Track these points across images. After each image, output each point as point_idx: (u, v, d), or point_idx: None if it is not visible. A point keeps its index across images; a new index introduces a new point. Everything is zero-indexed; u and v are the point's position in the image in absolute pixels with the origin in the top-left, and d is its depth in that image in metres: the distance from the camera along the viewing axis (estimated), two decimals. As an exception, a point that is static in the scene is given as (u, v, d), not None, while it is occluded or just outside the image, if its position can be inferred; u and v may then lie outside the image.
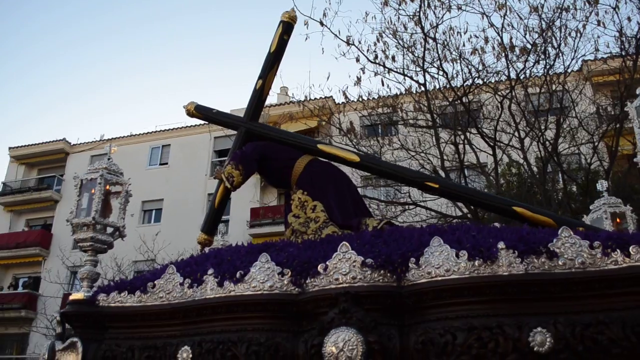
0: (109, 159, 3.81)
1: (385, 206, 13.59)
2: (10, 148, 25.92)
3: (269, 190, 25.26)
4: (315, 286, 2.97)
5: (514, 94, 11.93)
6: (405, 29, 12.18)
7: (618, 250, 2.68)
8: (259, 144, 4.50)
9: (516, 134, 12.10)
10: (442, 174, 12.39)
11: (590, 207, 4.84)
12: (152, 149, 26.16)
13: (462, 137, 12.37)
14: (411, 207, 12.78)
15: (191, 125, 25.82)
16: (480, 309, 2.71)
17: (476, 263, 2.76)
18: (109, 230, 3.59)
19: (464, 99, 12.15)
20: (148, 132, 25.93)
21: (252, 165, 4.31)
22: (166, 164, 25.88)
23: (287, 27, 4.88)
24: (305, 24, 11.57)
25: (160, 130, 26.07)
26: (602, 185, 4.83)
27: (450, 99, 12.46)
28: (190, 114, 5.03)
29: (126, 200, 3.76)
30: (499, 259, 2.75)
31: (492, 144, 12.21)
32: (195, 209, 25.16)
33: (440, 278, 2.79)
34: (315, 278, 2.99)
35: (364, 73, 12.70)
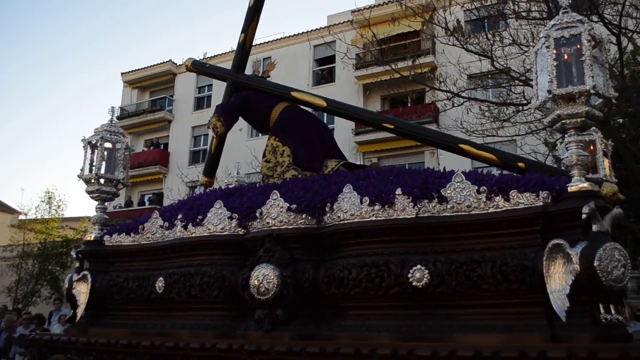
0: (111, 121, 4.79)
1: (496, 108, 13.54)
2: (122, 74, 29.01)
3: (372, 96, 25.76)
4: (255, 228, 3.78)
5: (642, -29, 10.93)
6: None
7: (500, 195, 3.10)
8: (242, 95, 5.22)
9: (645, 18, 11.20)
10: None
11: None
12: (253, 62, 27.55)
13: (582, 25, 11.70)
14: (526, 107, 12.61)
15: (289, 36, 26.65)
16: (375, 248, 3.34)
17: (376, 208, 3.35)
18: (114, 182, 4.65)
19: (584, -18, 11.36)
20: (248, 46, 27.28)
21: (233, 116, 5.06)
22: (269, 76, 27.19)
23: None
24: None
25: (260, 44, 27.27)
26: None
27: (568, -17, 11.69)
28: (188, 69, 5.85)
29: (129, 155, 4.77)
30: (395, 204, 3.31)
31: (616, 31, 11.44)
32: (300, 120, 26.48)
33: (346, 221, 3.44)
34: (254, 221, 3.78)
35: (468, -38, 12.28)
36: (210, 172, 5.41)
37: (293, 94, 4.99)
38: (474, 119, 14.07)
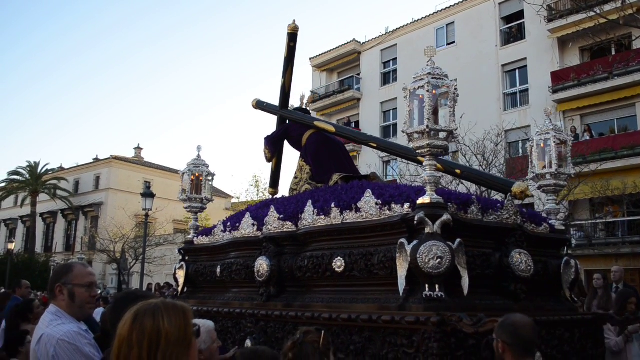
0: (198, 157, 7.29)
1: None
2: (310, 59, 32.71)
3: (569, 49, 25.13)
4: (264, 232, 5.94)
5: None
6: None
7: (387, 206, 4.79)
8: (284, 126, 7.32)
9: None
10: None
11: (537, 129, 5.65)
12: (437, 30, 28.92)
13: None
14: None
15: (470, -4, 27.32)
16: (320, 245, 5.27)
17: (321, 217, 5.28)
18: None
19: None
20: (429, 15, 28.70)
21: (276, 145, 7.20)
22: (453, 42, 28.33)
23: (291, 36, 7.36)
24: None
25: (441, 10, 28.46)
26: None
27: None
28: (253, 107, 8.06)
29: (211, 180, 7.27)
30: (331, 213, 5.19)
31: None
32: (491, 83, 27.07)
33: (306, 227, 5.41)
34: (263, 227, 5.94)
35: None
36: (274, 184, 7.67)
37: (315, 123, 6.94)
38: None
